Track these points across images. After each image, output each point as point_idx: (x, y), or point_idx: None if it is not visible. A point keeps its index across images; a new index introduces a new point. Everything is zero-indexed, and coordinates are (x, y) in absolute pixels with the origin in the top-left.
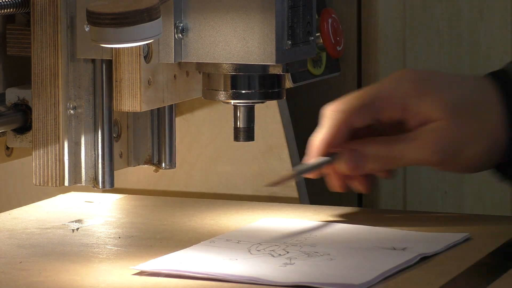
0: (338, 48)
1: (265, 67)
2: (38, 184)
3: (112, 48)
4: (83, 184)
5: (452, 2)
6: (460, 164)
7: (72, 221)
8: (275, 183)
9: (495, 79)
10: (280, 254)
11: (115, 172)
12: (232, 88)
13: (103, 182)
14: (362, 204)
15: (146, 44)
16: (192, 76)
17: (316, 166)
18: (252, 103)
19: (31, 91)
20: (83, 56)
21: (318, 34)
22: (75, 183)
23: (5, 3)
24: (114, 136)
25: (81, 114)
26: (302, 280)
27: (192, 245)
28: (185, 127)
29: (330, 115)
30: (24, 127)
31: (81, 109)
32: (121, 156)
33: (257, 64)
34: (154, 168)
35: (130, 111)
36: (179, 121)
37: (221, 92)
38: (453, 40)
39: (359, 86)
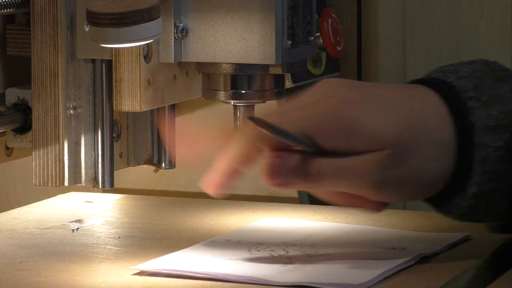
0: (338, 48)
1: (265, 67)
2: (38, 184)
3: (112, 48)
4: (83, 184)
5: (452, 2)
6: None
7: (72, 221)
8: (254, 120)
9: (433, 88)
10: (280, 254)
11: (115, 172)
12: (232, 88)
13: (103, 182)
14: None
15: (146, 44)
16: (192, 76)
17: (296, 138)
18: (252, 103)
19: (31, 91)
20: (83, 56)
21: (318, 34)
22: (75, 183)
23: (5, 3)
24: (114, 136)
25: (81, 114)
26: (302, 280)
27: (192, 245)
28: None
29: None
30: (24, 127)
31: (81, 109)
32: (121, 156)
33: (257, 64)
34: (154, 168)
35: (130, 111)
36: (179, 121)
37: (221, 92)
38: (453, 40)
39: None
